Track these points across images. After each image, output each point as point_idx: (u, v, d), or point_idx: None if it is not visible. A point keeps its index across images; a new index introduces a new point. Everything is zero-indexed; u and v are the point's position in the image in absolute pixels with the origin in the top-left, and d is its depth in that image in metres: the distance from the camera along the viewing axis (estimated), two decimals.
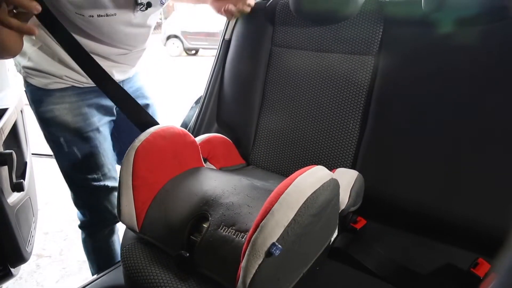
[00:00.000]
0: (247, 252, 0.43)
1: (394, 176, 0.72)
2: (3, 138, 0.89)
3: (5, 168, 0.85)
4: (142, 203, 0.60)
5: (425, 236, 0.68)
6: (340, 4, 0.76)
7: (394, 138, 0.72)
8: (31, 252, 0.97)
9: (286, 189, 0.45)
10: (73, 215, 0.97)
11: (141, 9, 0.73)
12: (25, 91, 0.83)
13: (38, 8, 0.48)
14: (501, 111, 0.62)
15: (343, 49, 0.80)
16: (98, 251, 1.01)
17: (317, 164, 0.51)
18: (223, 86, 1.00)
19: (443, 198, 0.66)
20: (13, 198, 0.89)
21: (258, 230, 0.43)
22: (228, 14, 0.90)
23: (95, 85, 0.82)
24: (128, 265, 0.59)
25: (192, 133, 1.00)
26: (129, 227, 0.62)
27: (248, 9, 0.90)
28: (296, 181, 0.45)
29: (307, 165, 0.50)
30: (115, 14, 0.70)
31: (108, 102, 0.88)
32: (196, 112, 1.05)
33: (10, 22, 0.48)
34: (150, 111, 0.96)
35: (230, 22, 0.99)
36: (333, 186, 0.50)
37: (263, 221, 0.43)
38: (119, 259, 1.00)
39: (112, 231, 1.00)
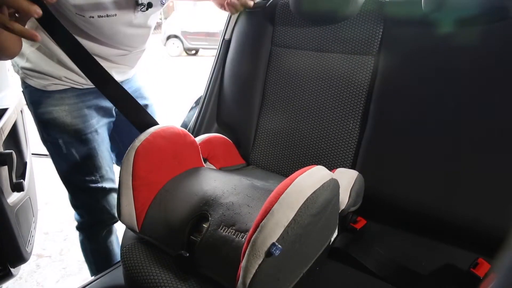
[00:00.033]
0: (247, 252, 0.43)
1: (394, 176, 0.72)
2: (3, 138, 0.89)
3: (5, 168, 0.85)
4: (142, 203, 0.60)
5: (425, 236, 0.68)
6: (340, 4, 0.76)
7: (394, 138, 0.72)
8: (31, 252, 0.97)
9: (286, 189, 0.45)
10: (73, 215, 0.97)
11: (142, 10, 0.73)
12: (22, 92, 0.82)
13: (38, 12, 0.48)
14: (501, 111, 0.62)
15: (343, 49, 0.80)
16: (96, 252, 1.00)
17: (317, 164, 0.51)
18: (223, 86, 1.00)
19: (443, 198, 0.66)
20: (13, 198, 0.89)
21: (258, 230, 0.43)
22: (231, 8, 0.89)
23: (93, 87, 0.82)
24: (128, 265, 0.59)
25: (192, 133, 1.01)
26: (129, 227, 0.62)
27: (251, 3, 0.90)
28: (296, 181, 0.45)
29: (307, 165, 0.50)
30: (116, 15, 0.69)
31: (107, 104, 0.87)
32: (196, 112, 1.05)
33: (13, 27, 0.48)
34: (149, 112, 0.96)
35: (230, 22, 0.99)
36: (333, 186, 0.50)
37: (263, 221, 0.43)
38: (118, 259, 1.00)
39: (110, 232, 1.00)
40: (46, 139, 0.84)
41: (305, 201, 0.44)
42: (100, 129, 0.87)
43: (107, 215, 0.94)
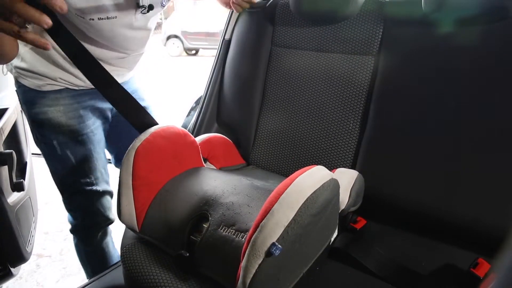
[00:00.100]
0: (247, 252, 0.43)
1: (394, 176, 0.72)
2: (3, 138, 0.90)
3: (5, 168, 0.85)
4: (142, 203, 0.60)
5: (425, 236, 0.68)
6: (340, 4, 0.76)
7: (394, 138, 0.72)
8: (31, 252, 0.97)
9: (286, 189, 0.45)
10: (67, 218, 0.95)
11: (143, 12, 0.72)
12: (16, 91, 0.80)
13: (48, 22, 0.47)
14: (501, 111, 0.62)
15: (343, 49, 0.80)
16: (92, 254, 0.99)
17: (317, 164, 0.51)
18: (223, 86, 1.00)
19: (443, 198, 0.66)
20: (13, 198, 0.89)
21: (258, 230, 0.43)
22: (237, 6, 0.89)
23: (89, 88, 0.81)
24: (128, 265, 0.59)
25: (192, 133, 1.01)
26: (129, 227, 0.62)
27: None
28: (296, 181, 0.45)
29: (307, 165, 0.50)
30: (116, 17, 0.69)
31: (102, 105, 0.86)
32: (196, 112, 1.05)
33: (26, 36, 0.47)
34: None
35: (230, 22, 0.99)
36: (333, 186, 0.50)
37: (263, 221, 0.43)
38: (115, 261, 1.00)
39: (105, 234, 0.98)
40: (40, 140, 0.82)
41: (305, 201, 0.44)
42: (95, 130, 0.86)
43: (101, 218, 0.92)
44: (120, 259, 0.96)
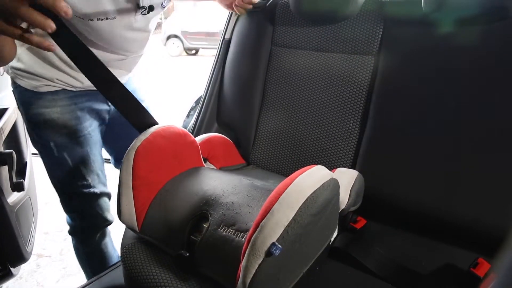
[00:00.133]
0: (247, 252, 0.43)
1: (394, 176, 0.72)
2: (3, 138, 0.90)
3: (5, 167, 0.85)
4: (142, 203, 0.60)
5: (425, 236, 0.68)
6: (340, 4, 0.76)
7: (394, 138, 0.72)
8: (31, 252, 0.97)
9: (286, 189, 0.45)
10: (65, 219, 0.95)
11: (143, 13, 0.71)
12: (13, 91, 0.79)
13: (53, 26, 0.46)
14: (501, 111, 0.62)
15: (343, 49, 0.80)
16: (91, 255, 0.98)
17: (317, 164, 0.52)
18: (223, 86, 1.00)
19: (443, 198, 0.66)
20: (13, 198, 0.89)
21: (258, 229, 0.43)
22: (240, 9, 0.88)
23: (86, 89, 0.80)
24: (128, 265, 0.59)
25: (192, 133, 1.01)
26: (129, 227, 0.62)
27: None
28: (296, 181, 0.45)
29: (307, 165, 0.50)
30: (115, 18, 0.68)
31: (99, 106, 0.85)
32: (196, 112, 1.05)
33: (31, 39, 0.47)
34: None
35: (230, 22, 0.99)
36: (333, 186, 0.50)
37: (263, 220, 0.43)
38: (114, 261, 0.99)
39: (103, 235, 0.98)
40: (37, 141, 0.81)
41: (305, 200, 0.44)
42: (92, 132, 0.85)
43: (100, 219, 0.92)
44: (119, 259, 0.97)
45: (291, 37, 0.87)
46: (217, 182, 0.62)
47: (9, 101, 0.99)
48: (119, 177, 0.60)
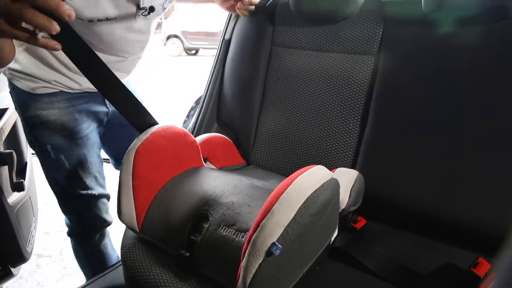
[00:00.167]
0: (247, 252, 0.43)
1: (394, 175, 0.72)
2: (3, 138, 0.90)
3: (5, 167, 0.85)
4: (142, 203, 0.60)
5: (425, 236, 0.68)
6: (340, 4, 0.76)
7: (394, 138, 0.72)
8: (31, 252, 0.97)
9: (286, 188, 0.45)
10: (64, 220, 0.95)
11: (143, 14, 0.71)
12: (10, 93, 0.78)
13: (57, 28, 0.46)
14: (501, 110, 0.62)
15: (343, 48, 0.80)
16: (90, 256, 0.98)
17: (317, 164, 0.52)
18: (223, 86, 1.00)
19: (443, 197, 0.66)
20: (13, 198, 0.89)
21: (258, 229, 0.43)
22: (244, 11, 0.87)
23: (84, 91, 0.79)
24: (128, 264, 0.59)
25: (192, 133, 1.01)
26: (129, 227, 0.62)
27: (257, 0, 0.88)
28: (296, 181, 0.45)
29: (307, 165, 0.50)
30: (115, 18, 0.67)
31: (97, 108, 0.85)
32: (196, 112, 1.05)
33: (38, 40, 0.46)
34: None
35: (230, 22, 0.99)
36: (333, 186, 0.50)
37: (263, 220, 0.43)
38: (113, 262, 0.99)
39: (102, 236, 0.97)
40: (35, 143, 0.80)
41: (305, 200, 0.44)
42: (90, 134, 0.84)
43: (98, 220, 0.92)
44: (119, 259, 0.96)
45: (291, 37, 0.87)
46: (217, 182, 0.62)
47: (9, 101, 0.99)
48: (119, 177, 0.60)
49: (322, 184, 0.47)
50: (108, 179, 0.95)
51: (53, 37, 0.49)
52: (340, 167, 0.74)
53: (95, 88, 0.69)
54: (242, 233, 0.50)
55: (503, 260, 0.21)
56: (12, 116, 0.97)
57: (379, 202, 0.72)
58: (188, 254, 0.52)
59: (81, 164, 0.83)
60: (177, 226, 0.56)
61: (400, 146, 0.71)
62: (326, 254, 0.61)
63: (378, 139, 0.74)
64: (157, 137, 0.62)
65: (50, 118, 0.77)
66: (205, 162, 0.76)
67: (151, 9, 0.72)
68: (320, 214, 0.47)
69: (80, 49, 0.56)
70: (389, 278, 0.58)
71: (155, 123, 0.66)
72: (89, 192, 0.86)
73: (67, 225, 0.94)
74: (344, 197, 0.61)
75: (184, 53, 7.76)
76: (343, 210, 0.61)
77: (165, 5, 0.76)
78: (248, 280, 0.43)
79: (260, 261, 0.42)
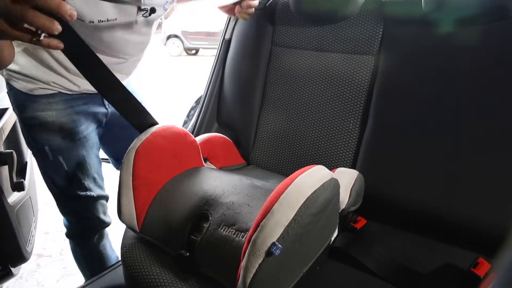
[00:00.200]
0: (247, 252, 0.43)
1: (394, 175, 0.72)
2: (3, 138, 0.90)
3: (6, 167, 0.85)
4: (142, 203, 0.60)
5: (425, 235, 0.68)
6: (340, 4, 0.76)
7: (394, 138, 0.72)
8: (31, 252, 0.97)
9: (286, 188, 0.45)
10: (62, 221, 0.95)
11: (144, 15, 0.70)
12: (7, 93, 0.77)
13: (59, 28, 0.45)
14: (501, 110, 0.62)
15: (343, 48, 0.80)
16: (89, 257, 0.97)
17: (317, 164, 0.52)
18: (223, 86, 1.00)
19: (443, 197, 0.66)
20: (13, 197, 0.89)
21: (258, 229, 0.43)
22: (244, 15, 0.84)
23: (83, 92, 0.79)
24: (128, 264, 0.59)
25: (192, 133, 1.01)
26: (129, 227, 0.62)
27: (256, 2, 0.86)
28: (296, 181, 0.45)
29: (307, 165, 0.50)
30: (116, 19, 0.66)
31: (96, 109, 0.84)
32: (196, 112, 1.05)
33: (41, 41, 0.46)
34: None
35: (230, 21, 0.99)
36: (333, 186, 0.50)
37: (263, 220, 0.43)
38: (113, 262, 0.99)
39: (101, 237, 0.97)
40: (32, 144, 0.79)
41: (305, 200, 0.44)
42: (88, 136, 0.83)
43: (97, 222, 0.91)
44: (118, 260, 0.96)
45: (291, 37, 0.87)
46: (217, 182, 0.62)
47: (9, 102, 0.99)
48: (119, 177, 0.60)
49: (322, 184, 0.47)
50: (107, 179, 0.95)
51: (54, 37, 0.49)
52: (340, 167, 0.74)
53: (93, 90, 0.69)
54: (242, 233, 0.50)
55: (503, 260, 0.21)
56: (12, 116, 0.97)
57: (379, 202, 0.72)
58: (188, 254, 0.52)
59: (80, 166, 0.83)
60: (177, 226, 0.56)
61: (400, 146, 0.71)
62: (326, 254, 0.61)
63: (378, 139, 0.74)
64: (157, 137, 0.62)
65: (49, 120, 0.76)
66: (205, 162, 0.76)
67: (152, 10, 0.71)
68: (320, 214, 0.47)
69: (81, 49, 0.56)
70: (389, 278, 0.58)
71: (155, 123, 0.66)
72: (88, 193, 0.86)
73: (66, 226, 0.94)
74: (344, 197, 0.61)
75: (184, 53, 7.76)
76: (343, 210, 0.61)
77: (166, 6, 0.75)
78: (248, 280, 0.43)
79: (260, 261, 0.42)
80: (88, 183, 0.85)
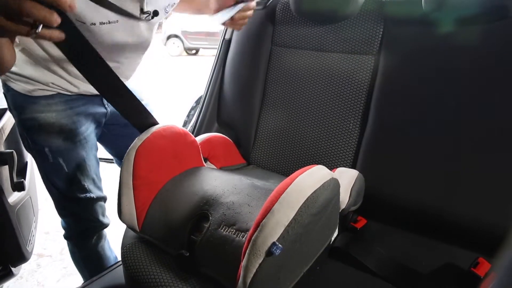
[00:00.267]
0: (247, 252, 0.43)
1: (395, 175, 0.72)
2: (4, 138, 0.90)
3: (6, 167, 0.85)
4: (143, 202, 0.60)
5: (425, 235, 0.68)
6: (340, 4, 0.76)
7: (394, 138, 0.72)
8: (31, 252, 0.97)
9: (287, 188, 0.45)
10: (60, 223, 0.94)
11: (146, 18, 0.70)
12: (4, 95, 0.76)
13: (58, 20, 0.44)
14: (501, 110, 0.62)
15: (343, 48, 0.80)
16: (88, 259, 0.97)
17: (318, 164, 0.52)
18: (223, 85, 1.00)
19: (443, 197, 0.66)
20: (14, 197, 0.89)
21: (258, 229, 0.43)
22: (236, 26, 0.81)
23: (82, 93, 0.78)
24: (128, 264, 0.59)
25: (192, 133, 1.01)
26: (129, 227, 0.62)
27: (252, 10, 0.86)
28: (297, 181, 0.45)
29: (307, 165, 0.50)
30: (117, 21, 0.66)
31: (96, 110, 0.83)
32: (197, 112, 1.05)
33: (43, 33, 0.45)
34: None
35: None
36: (333, 186, 0.50)
37: (263, 220, 0.43)
38: (111, 263, 0.99)
39: (100, 238, 0.96)
40: (32, 146, 0.78)
41: (305, 200, 0.44)
42: (88, 137, 0.83)
43: (95, 223, 0.91)
44: (117, 260, 0.96)
45: (291, 37, 0.87)
46: (218, 182, 0.62)
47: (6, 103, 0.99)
48: (120, 177, 0.60)
49: (322, 184, 0.47)
50: (107, 179, 0.94)
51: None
52: (340, 167, 0.74)
53: (93, 91, 0.68)
54: (243, 233, 0.50)
55: (503, 260, 0.21)
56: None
57: (379, 202, 0.72)
58: (188, 254, 0.52)
59: (80, 167, 0.82)
60: (177, 225, 0.56)
61: (400, 146, 0.71)
62: (326, 254, 0.61)
63: (378, 139, 0.74)
64: (158, 137, 0.62)
65: (48, 121, 0.75)
66: (205, 162, 0.76)
67: (155, 13, 0.71)
68: (320, 214, 0.47)
69: (80, 44, 0.54)
70: (389, 278, 0.58)
71: (155, 123, 0.66)
72: (87, 195, 0.85)
73: (64, 228, 0.93)
74: (344, 197, 0.61)
75: (184, 53, 7.76)
76: (343, 210, 0.61)
77: (167, 9, 0.75)
78: (249, 280, 0.43)
79: (260, 261, 0.42)
80: (88, 184, 0.85)
